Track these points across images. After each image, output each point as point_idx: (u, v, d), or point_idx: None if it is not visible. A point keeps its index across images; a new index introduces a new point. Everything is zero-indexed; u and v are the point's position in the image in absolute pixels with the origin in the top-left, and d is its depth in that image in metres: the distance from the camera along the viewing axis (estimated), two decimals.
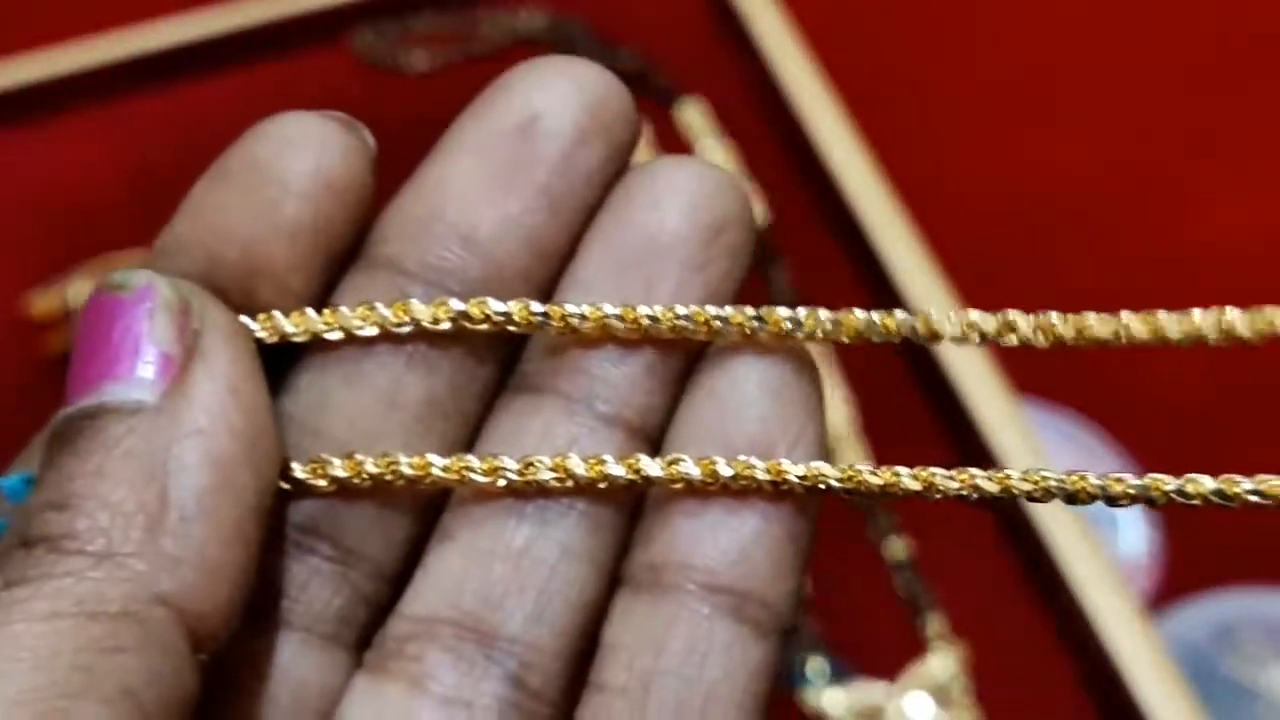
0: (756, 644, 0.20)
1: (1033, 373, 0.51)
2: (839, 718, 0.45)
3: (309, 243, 0.20)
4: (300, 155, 0.20)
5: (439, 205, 0.20)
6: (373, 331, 0.20)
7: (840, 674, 0.45)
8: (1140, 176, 0.59)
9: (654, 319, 0.20)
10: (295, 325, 0.20)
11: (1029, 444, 0.46)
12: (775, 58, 0.56)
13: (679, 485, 0.20)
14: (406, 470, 0.20)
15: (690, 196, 0.20)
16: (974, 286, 0.50)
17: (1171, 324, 0.20)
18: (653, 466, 0.20)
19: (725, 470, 0.20)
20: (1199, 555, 0.50)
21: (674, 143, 0.57)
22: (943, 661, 0.46)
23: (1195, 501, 0.19)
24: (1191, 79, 0.62)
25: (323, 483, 0.20)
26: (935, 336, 0.20)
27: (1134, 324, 0.20)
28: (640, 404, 0.20)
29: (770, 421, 0.20)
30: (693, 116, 0.57)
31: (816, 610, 0.47)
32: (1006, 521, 0.47)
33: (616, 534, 0.20)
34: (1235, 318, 0.20)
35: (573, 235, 0.21)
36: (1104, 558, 0.45)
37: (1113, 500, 0.20)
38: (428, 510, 0.21)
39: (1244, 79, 0.62)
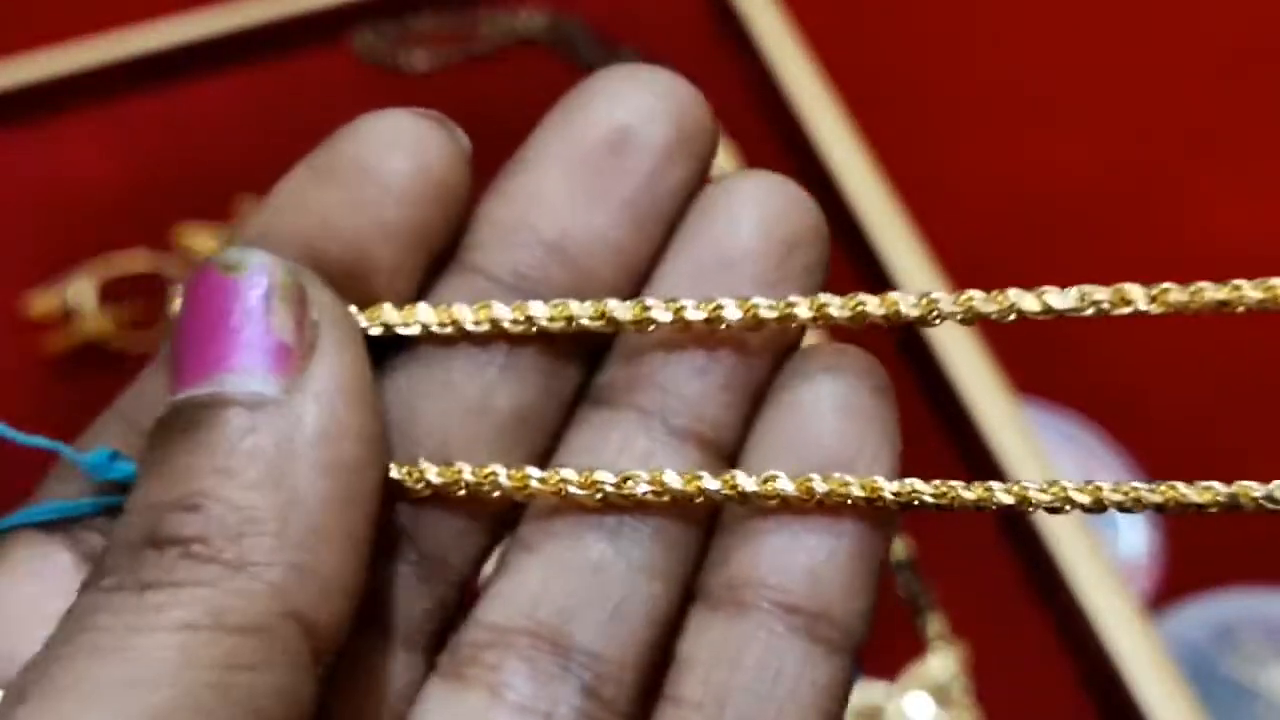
0: (828, 662, 0.20)
1: (1033, 373, 0.51)
2: None
3: (411, 244, 0.20)
4: (402, 156, 0.20)
5: (529, 215, 0.20)
6: (484, 328, 0.20)
7: None
8: (1140, 176, 0.59)
9: (770, 306, 0.20)
10: (405, 319, 0.20)
11: (1029, 444, 0.46)
12: (775, 58, 0.56)
13: (773, 501, 0.20)
14: (504, 481, 0.20)
15: (766, 213, 0.20)
16: (973, 286, 0.50)
17: None
18: (749, 482, 0.20)
19: (820, 487, 0.20)
20: (1199, 556, 0.50)
21: None
22: (943, 661, 0.46)
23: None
24: (1191, 79, 0.62)
25: (419, 487, 0.20)
26: (1048, 310, 0.20)
27: (1248, 289, 0.20)
28: (714, 418, 0.21)
29: (848, 439, 0.20)
30: None
31: None
32: (1007, 522, 0.47)
33: (691, 549, 0.21)
34: None
35: (655, 248, 0.21)
36: (1104, 558, 0.45)
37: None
38: (500, 519, 0.21)
39: (1244, 79, 0.62)
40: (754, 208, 0.20)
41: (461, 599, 0.21)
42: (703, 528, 0.21)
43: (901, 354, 0.51)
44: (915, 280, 0.50)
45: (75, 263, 0.52)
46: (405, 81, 0.59)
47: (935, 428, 0.50)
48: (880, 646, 0.46)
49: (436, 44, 0.60)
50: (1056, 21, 0.64)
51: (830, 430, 0.20)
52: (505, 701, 0.20)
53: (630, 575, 0.20)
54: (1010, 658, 0.46)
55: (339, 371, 0.18)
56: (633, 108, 0.20)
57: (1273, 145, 0.60)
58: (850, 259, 0.53)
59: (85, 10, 0.59)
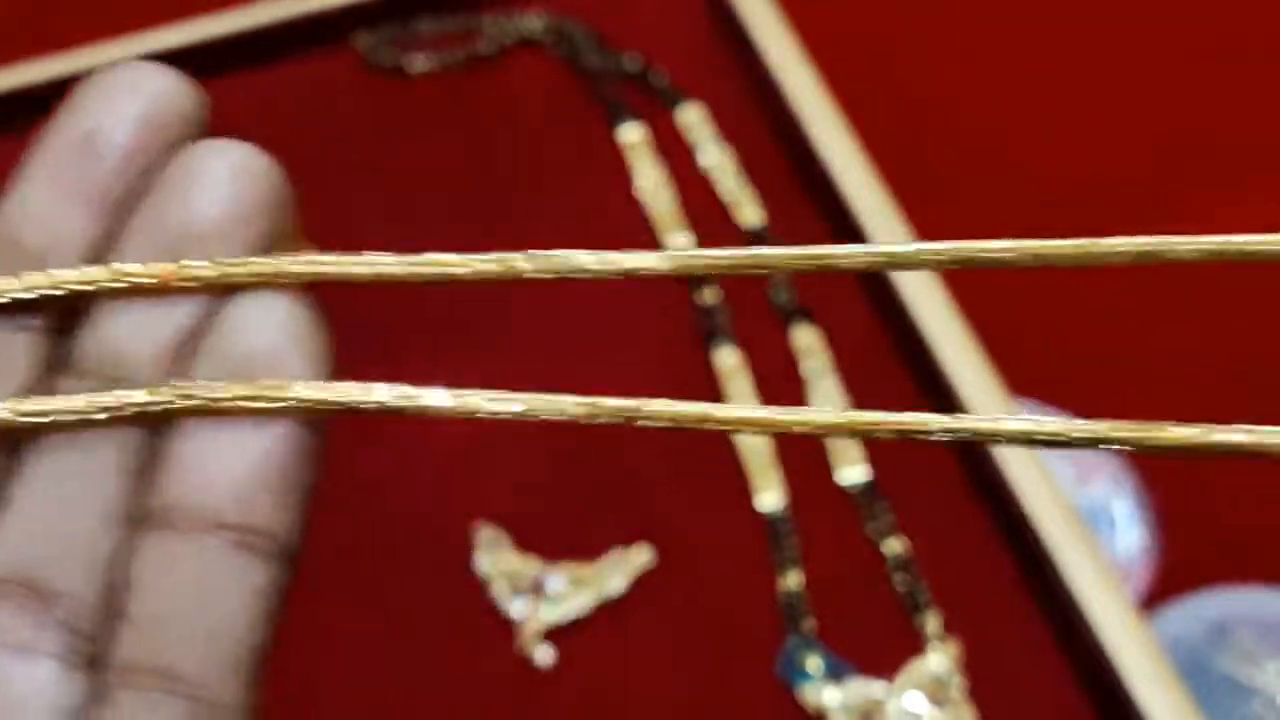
0: (261, 570, 0.22)
1: (1032, 373, 0.52)
2: (837, 715, 0.45)
3: None
4: None
5: (18, 230, 0.22)
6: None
7: (838, 672, 0.46)
8: (1140, 176, 0.60)
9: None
10: None
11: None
12: (774, 61, 0.56)
13: (237, 405, 0.21)
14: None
15: (225, 187, 0.22)
16: (973, 286, 0.51)
17: None
18: (206, 390, 0.22)
19: (240, 392, 0.21)
20: (1194, 554, 0.50)
21: (673, 145, 0.57)
22: (940, 660, 0.46)
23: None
24: (1191, 79, 0.62)
25: None
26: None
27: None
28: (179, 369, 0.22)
29: (278, 349, 0.22)
30: (692, 119, 0.58)
31: (814, 608, 0.47)
32: (1004, 520, 0.48)
33: (138, 484, 0.23)
34: None
35: None
36: (1100, 556, 0.45)
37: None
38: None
39: (1244, 79, 0.63)
40: (214, 182, 0.22)
41: None
42: (149, 461, 0.23)
43: (899, 355, 0.51)
44: (912, 277, 0.50)
45: None
46: (406, 84, 0.59)
47: None
48: (877, 645, 0.47)
49: (438, 46, 0.60)
50: (1055, 23, 0.64)
51: (265, 343, 0.22)
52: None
53: (96, 527, 0.22)
54: (1006, 656, 0.46)
55: None
56: (104, 107, 0.22)
57: (1273, 145, 0.61)
58: None
59: (88, 15, 0.59)
